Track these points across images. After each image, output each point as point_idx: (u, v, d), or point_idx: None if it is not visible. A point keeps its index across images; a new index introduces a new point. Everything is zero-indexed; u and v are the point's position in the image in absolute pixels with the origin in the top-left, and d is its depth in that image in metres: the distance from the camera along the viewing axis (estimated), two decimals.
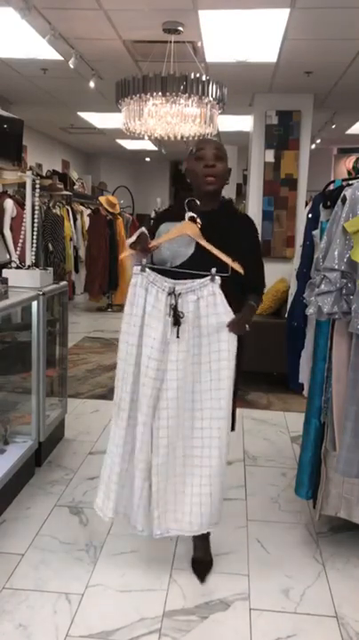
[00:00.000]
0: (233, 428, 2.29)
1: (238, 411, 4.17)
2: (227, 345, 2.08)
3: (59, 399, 3.65)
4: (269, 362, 4.55)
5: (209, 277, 2.05)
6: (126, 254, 2.13)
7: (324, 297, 2.27)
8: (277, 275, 5.43)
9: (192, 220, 2.11)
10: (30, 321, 3.10)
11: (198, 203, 2.20)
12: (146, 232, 2.11)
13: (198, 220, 2.11)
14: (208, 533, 2.40)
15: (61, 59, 4.93)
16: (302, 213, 5.37)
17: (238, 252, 2.08)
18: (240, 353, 2.16)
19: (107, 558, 2.42)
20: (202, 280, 2.06)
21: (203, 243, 2.08)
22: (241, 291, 2.18)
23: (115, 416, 2.20)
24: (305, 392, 2.73)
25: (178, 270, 2.11)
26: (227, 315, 2.07)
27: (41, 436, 3.18)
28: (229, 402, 2.14)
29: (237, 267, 2.06)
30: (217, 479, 2.15)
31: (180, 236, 2.11)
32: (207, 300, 2.05)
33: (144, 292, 2.08)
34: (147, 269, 2.08)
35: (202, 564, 2.36)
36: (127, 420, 2.15)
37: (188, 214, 2.12)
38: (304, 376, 2.80)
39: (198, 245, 2.10)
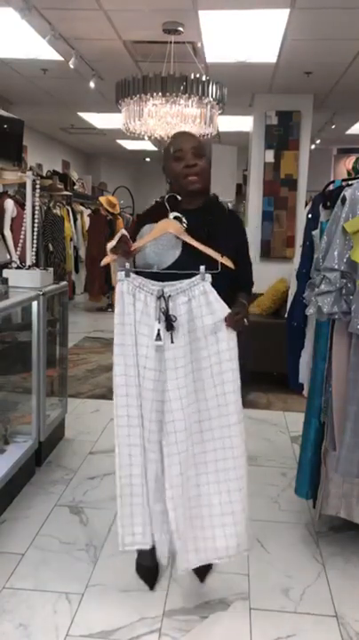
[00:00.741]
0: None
1: None
2: (226, 344, 1.95)
3: (60, 399, 3.64)
4: (269, 362, 4.54)
5: (198, 276, 1.93)
6: (108, 260, 2.01)
7: (324, 297, 2.27)
8: (277, 275, 5.43)
9: (177, 219, 2.00)
10: (30, 321, 3.10)
11: (179, 198, 2.09)
12: (126, 234, 1.99)
13: (184, 220, 2.00)
14: None
15: (61, 59, 4.93)
16: (302, 213, 5.37)
17: (227, 250, 1.98)
18: (243, 353, 2.04)
19: (107, 558, 2.42)
20: (191, 280, 1.93)
21: (188, 239, 1.97)
22: (230, 289, 2.07)
23: (124, 437, 1.99)
24: (305, 392, 2.72)
25: (167, 272, 1.98)
26: (224, 311, 1.94)
27: (41, 435, 3.18)
28: (238, 404, 2.02)
29: (227, 262, 1.96)
30: (237, 494, 1.99)
31: (165, 236, 2.00)
32: (199, 300, 1.93)
33: (132, 299, 1.95)
34: (131, 274, 1.95)
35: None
36: (142, 438, 1.98)
37: (173, 214, 2.01)
38: (304, 376, 2.79)
39: (185, 246, 1.99)
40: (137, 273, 1.97)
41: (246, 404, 4.34)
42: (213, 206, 2.13)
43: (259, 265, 6.03)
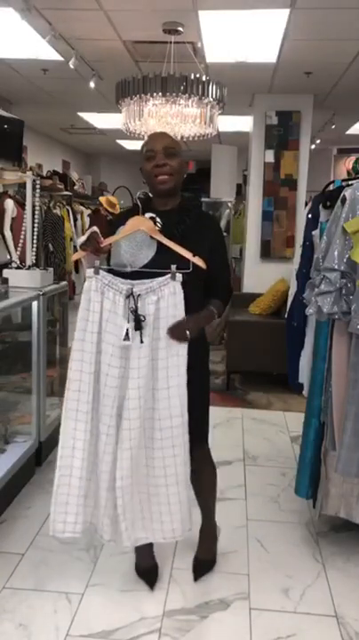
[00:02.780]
0: (205, 440, 2.21)
1: (239, 410, 4.20)
2: (184, 350, 1.95)
3: (60, 399, 3.63)
4: (269, 362, 4.55)
5: (169, 275, 1.91)
6: (78, 256, 2.00)
7: (324, 297, 2.26)
8: (277, 275, 5.43)
9: (152, 220, 1.98)
10: (30, 321, 3.10)
11: (150, 194, 2.08)
12: (97, 230, 1.96)
13: (158, 220, 1.98)
14: (215, 533, 2.40)
15: (61, 59, 4.92)
16: (302, 214, 5.36)
17: (201, 254, 1.96)
18: (202, 374, 2.08)
19: (107, 558, 2.42)
20: (162, 278, 1.91)
21: (160, 237, 1.95)
22: (204, 296, 2.05)
23: (70, 429, 2.03)
24: (305, 392, 2.73)
25: (141, 270, 1.96)
26: (181, 317, 1.93)
27: (41, 435, 3.18)
28: (183, 411, 1.99)
29: (199, 261, 1.93)
30: (179, 487, 2.03)
31: (140, 236, 1.97)
32: (168, 301, 1.91)
33: (100, 297, 1.93)
34: (101, 271, 1.94)
35: (202, 562, 2.35)
36: (89, 432, 2.02)
37: (148, 215, 2.00)
38: (304, 376, 2.79)
39: (160, 247, 1.97)
40: (107, 271, 1.96)
41: (246, 403, 4.37)
42: (188, 207, 2.11)
43: (258, 265, 6.04)
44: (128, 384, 1.94)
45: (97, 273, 1.94)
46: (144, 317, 1.90)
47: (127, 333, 1.90)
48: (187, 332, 1.94)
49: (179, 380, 1.96)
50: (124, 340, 1.90)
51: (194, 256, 1.93)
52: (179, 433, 2.00)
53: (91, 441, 2.04)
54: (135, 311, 1.89)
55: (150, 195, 2.13)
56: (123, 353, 1.94)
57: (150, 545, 2.25)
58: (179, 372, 1.96)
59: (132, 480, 2.00)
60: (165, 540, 2.11)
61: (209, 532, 2.38)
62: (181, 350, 1.95)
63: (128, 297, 1.91)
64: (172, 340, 1.94)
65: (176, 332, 1.93)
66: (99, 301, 1.94)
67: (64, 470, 2.06)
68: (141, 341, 1.90)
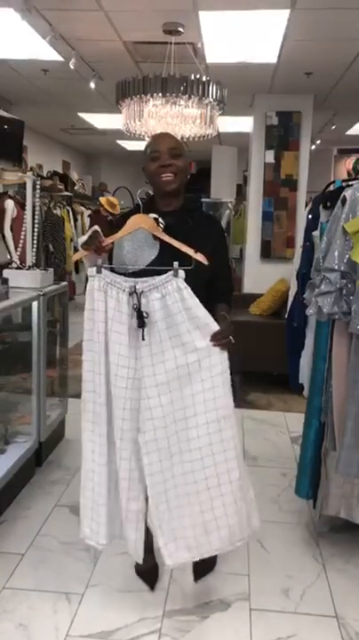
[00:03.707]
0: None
1: (239, 410, 4.18)
2: (208, 349, 1.91)
3: (60, 399, 3.64)
4: (269, 362, 4.55)
5: (171, 272, 1.88)
6: (79, 256, 1.99)
7: (324, 297, 2.27)
8: (277, 275, 5.43)
9: (155, 220, 1.96)
10: (31, 321, 3.10)
11: (150, 192, 2.08)
12: (98, 230, 1.94)
13: (161, 221, 1.97)
14: None
15: (62, 59, 4.93)
16: (302, 214, 5.36)
17: (204, 254, 1.92)
18: (233, 368, 1.99)
19: (107, 558, 2.42)
20: (164, 276, 1.89)
21: (162, 235, 1.94)
22: (207, 297, 2.00)
23: (88, 432, 2.00)
24: (305, 392, 2.72)
25: (145, 268, 1.95)
26: (198, 308, 1.89)
27: (41, 436, 3.18)
28: (228, 397, 1.96)
29: (201, 257, 1.89)
30: (228, 487, 1.95)
31: (142, 236, 1.97)
32: (174, 297, 1.88)
33: (103, 296, 1.91)
34: (103, 270, 1.92)
35: (202, 563, 2.32)
36: (107, 436, 1.97)
37: (151, 215, 1.98)
38: (304, 376, 2.79)
39: (163, 247, 1.96)
40: (110, 270, 1.95)
41: (246, 404, 4.37)
42: (191, 209, 2.12)
43: (259, 265, 6.04)
44: (144, 383, 1.90)
45: (99, 272, 1.92)
46: (147, 314, 1.87)
47: (129, 330, 1.89)
48: (231, 339, 1.93)
49: (209, 371, 1.91)
50: (130, 336, 1.89)
51: (196, 252, 1.91)
52: (225, 426, 1.93)
53: (109, 447, 1.98)
54: (138, 308, 1.87)
55: (150, 192, 2.12)
56: (132, 352, 1.91)
57: (150, 545, 2.24)
58: (210, 363, 1.91)
59: (167, 489, 1.94)
60: (221, 550, 2.04)
61: None
62: (207, 341, 1.91)
63: (131, 294, 1.89)
64: (199, 334, 1.90)
65: (220, 344, 1.91)
66: (103, 300, 1.92)
67: (87, 474, 2.03)
68: (142, 338, 1.88)
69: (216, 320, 1.94)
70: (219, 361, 1.93)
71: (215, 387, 1.92)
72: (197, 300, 1.89)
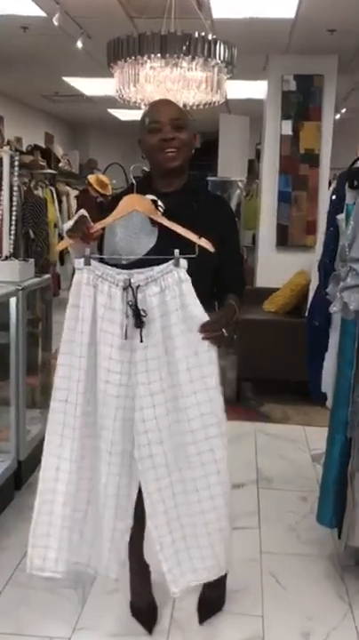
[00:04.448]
0: None
1: (251, 424, 4.20)
2: (206, 345, 1.91)
3: (42, 411, 3.64)
4: (286, 368, 4.55)
5: (172, 261, 1.86)
6: (64, 245, 1.97)
7: (351, 292, 2.27)
8: (296, 266, 5.43)
9: (153, 203, 1.94)
10: (8, 320, 3.10)
11: (146, 169, 2.06)
12: (86, 214, 1.91)
13: (160, 204, 1.94)
14: None
15: (44, 15, 4.93)
16: (325, 195, 5.37)
17: (211, 241, 1.91)
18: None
19: (97, 596, 2.42)
20: (163, 266, 1.87)
21: (160, 219, 1.92)
22: (213, 290, 2.05)
23: (54, 446, 1.99)
24: (328, 403, 2.73)
25: (142, 258, 1.94)
26: (196, 306, 1.88)
27: (20, 454, 3.19)
28: (221, 412, 1.97)
29: (205, 243, 1.87)
30: (223, 511, 1.99)
31: (138, 220, 1.96)
32: (174, 291, 1.87)
33: (92, 291, 1.89)
34: (92, 261, 1.89)
35: (209, 602, 2.33)
36: (79, 451, 1.97)
37: (148, 197, 1.96)
38: (327, 384, 2.80)
39: (162, 234, 1.95)
40: (100, 261, 1.93)
41: (260, 416, 4.37)
42: (196, 189, 2.10)
43: (274, 255, 6.04)
44: (138, 392, 1.90)
45: (88, 264, 1.90)
46: (145, 312, 1.86)
47: (126, 331, 1.87)
48: (224, 331, 1.91)
49: (203, 382, 1.91)
50: (124, 338, 1.87)
51: (199, 238, 1.89)
52: (215, 445, 1.94)
53: (82, 462, 1.99)
54: (134, 305, 1.85)
55: (146, 169, 2.11)
56: (125, 356, 1.90)
57: (148, 579, 2.25)
58: (202, 374, 1.91)
59: (165, 506, 1.96)
60: (210, 578, 2.07)
61: None
62: (201, 347, 1.90)
63: (125, 289, 1.87)
64: (192, 338, 1.89)
65: (211, 328, 1.89)
66: (92, 296, 1.90)
67: (46, 495, 2.02)
68: (141, 340, 1.87)
69: (221, 307, 1.96)
70: (213, 371, 1.93)
71: (212, 400, 1.93)
72: (196, 298, 1.88)
